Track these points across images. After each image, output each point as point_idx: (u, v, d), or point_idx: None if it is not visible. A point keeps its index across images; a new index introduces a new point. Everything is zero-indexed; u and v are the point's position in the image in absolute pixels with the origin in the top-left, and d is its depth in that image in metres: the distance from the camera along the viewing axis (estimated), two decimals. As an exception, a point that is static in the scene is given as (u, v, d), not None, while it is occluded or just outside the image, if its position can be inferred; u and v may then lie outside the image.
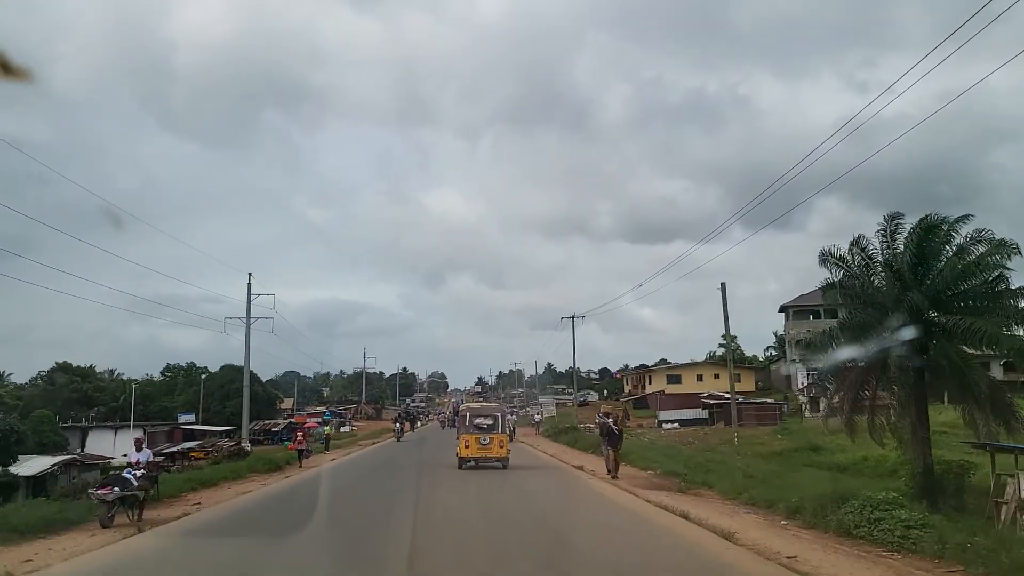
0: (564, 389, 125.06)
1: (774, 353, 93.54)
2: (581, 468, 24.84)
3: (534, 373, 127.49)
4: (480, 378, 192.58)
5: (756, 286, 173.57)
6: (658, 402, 60.17)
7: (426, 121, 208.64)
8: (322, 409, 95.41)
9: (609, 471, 20.82)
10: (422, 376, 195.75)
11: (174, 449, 42.87)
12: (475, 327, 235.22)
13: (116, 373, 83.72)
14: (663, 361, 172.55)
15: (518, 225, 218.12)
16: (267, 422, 70.05)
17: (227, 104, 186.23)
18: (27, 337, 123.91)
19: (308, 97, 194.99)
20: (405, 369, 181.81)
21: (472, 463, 23.16)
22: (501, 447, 23.35)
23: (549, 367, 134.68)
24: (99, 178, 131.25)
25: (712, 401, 57.80)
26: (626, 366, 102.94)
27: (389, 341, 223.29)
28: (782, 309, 71.73)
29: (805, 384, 66.04)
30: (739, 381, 74.45)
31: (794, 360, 67.89)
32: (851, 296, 21.69)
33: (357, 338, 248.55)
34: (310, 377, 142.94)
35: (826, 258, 22.05)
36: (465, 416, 24.70)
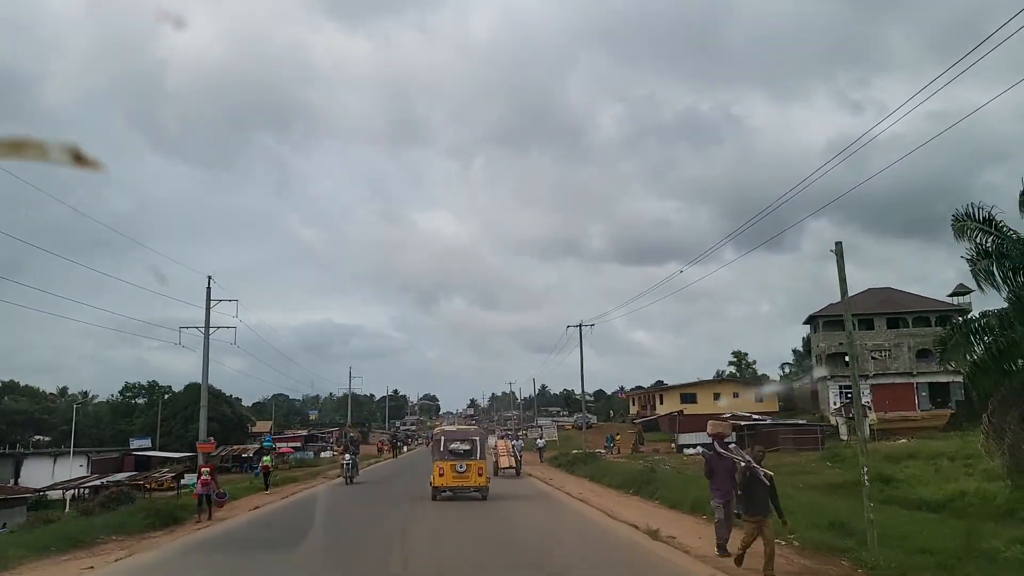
0: (559, 412, 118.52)
1: (791, 370, 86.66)
2: (655, 534, 13.79)
3: (527, 395, 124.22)
4: (473, 400, 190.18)
5: (749, 306, 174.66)
6: (676, 424, 52.98)
7: (418, 141, 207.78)
8: (304, 432, 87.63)
9: (724, 549, 11.42)
10: (413, 399, 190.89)
11: (97, 482, 35.38)
12: (467, 349, 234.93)
13: (70, 393, 75.96)
14: (660, 383, 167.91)
15: (511, 246, 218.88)
16: (236, 447, 62.44)
17: (219, 125, 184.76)
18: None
19: (299, 118, 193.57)
20: (396, 391, 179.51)
21: (448, 493, 20.70)
22: (480, 475, 20.91)
23: (543, 389, 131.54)
24: (91, 200, 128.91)
25: (742, 423, 50.61)
26: (635, 387, 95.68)
27: (381, 363, 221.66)
28: (809, 320, 64.85)
29: (838, 403, 59.05)
30: (761, 401, 67.55)
31: (824, 377, 60.91)
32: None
33: (349, 361, 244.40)
34: (299, 400, 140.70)
35: (965, 223, 15.64)
36: (439, 441, 21.99)
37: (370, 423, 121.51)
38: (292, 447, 75.20)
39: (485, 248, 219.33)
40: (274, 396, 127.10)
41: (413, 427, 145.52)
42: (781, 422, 50.52)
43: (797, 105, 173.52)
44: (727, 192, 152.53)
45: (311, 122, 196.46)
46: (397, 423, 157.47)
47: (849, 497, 28.99)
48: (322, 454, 76.87)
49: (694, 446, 49.78)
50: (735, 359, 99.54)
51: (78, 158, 2.09)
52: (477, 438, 22.35)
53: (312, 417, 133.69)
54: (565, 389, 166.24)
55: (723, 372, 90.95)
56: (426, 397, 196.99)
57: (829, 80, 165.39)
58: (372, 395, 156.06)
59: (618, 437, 55.04)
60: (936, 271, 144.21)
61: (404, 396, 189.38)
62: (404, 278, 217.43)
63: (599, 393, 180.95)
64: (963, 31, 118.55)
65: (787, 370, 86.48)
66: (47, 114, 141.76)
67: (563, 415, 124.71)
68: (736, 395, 66.91)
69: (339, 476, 32.02)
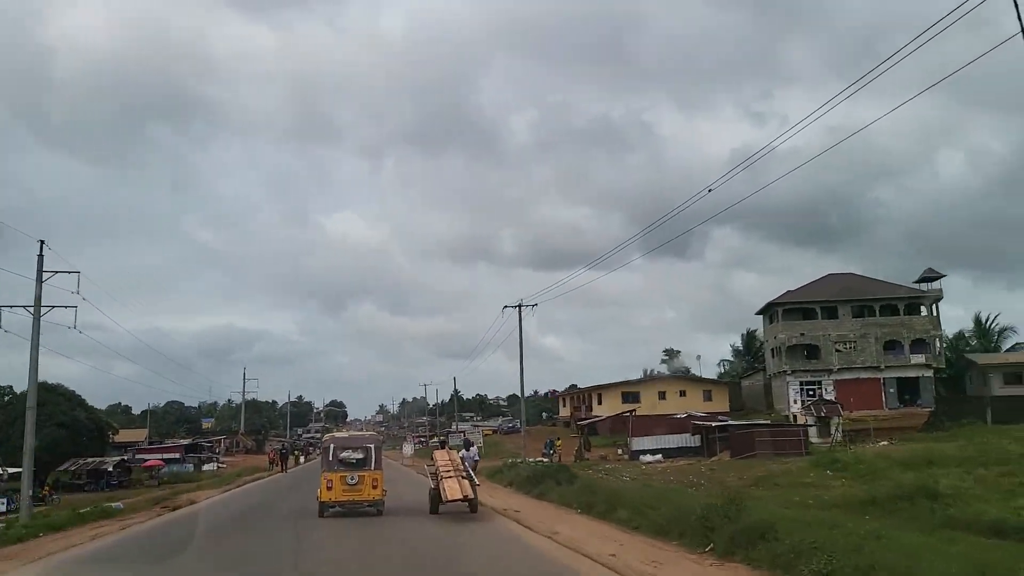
0: (473, 417, 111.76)
1: (729, 367, 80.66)
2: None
3: (441, 400, 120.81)
4: (382, 406, 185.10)
5: (655, 312, 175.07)
6: (628, 426, 44.97)
7: (326, 139, 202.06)
8: (185, 441, 75.62)
9: None
10: (320, 405, 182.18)
11: None
12: (377, 355, 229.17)
13: None
14: (573, 387, 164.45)
15: (422, 250, 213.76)
16: (90, 460, 50.70)
17: (111, 118, 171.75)
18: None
19: (198, 112, 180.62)
20: (300, 397, 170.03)
21: (337, 508, 18.18)
22: (374, 487, 18.36)
23: (456, 394, 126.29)
24: None
25: (705, 424, 43.16)
26: (569, 386, 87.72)
27: (287, 370, 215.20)
28: (764, 309, 58.47)
29: (798, 401, 52.68)
30: (710, 400, 60.84)
31: (783, 372, 54.47)
32: None
33: (253, 367, 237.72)
34: (195, 407, 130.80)
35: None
36: (328, 449, 19.14)
37: (267, 430, 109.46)
38: (163, 459, 63.82)
39: (395, 251, 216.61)
40: (167, 403, 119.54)
41: (317, 435, 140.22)
42: (755, 423, 43.32)
43: (704, 115, 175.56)
44: (637, 200, 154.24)
45: (211, 117, 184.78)
46: (299, 431, 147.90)
47: (902, 519, 21.36)
48: (205, 466, 66.22)
49: (652, 452, 42.15)
50: (667, 357, 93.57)
51: None
52: (372, 445, 19.49)
53: (206, 425, 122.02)
54: (478, 394, 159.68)
55: (651, 371, 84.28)
56: (332, 404, 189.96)
57: (735, 91, 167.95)
58: (275, 402, 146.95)
59: (559, 442, 46.71)
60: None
61: (309, 403, 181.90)
62: (311, 282, 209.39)
63: (513, 397, 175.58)
64: (861, 47, 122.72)
65: (725, 367, 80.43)
66: None
67: (478, 420, 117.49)
68: (683, 393, 59.87)
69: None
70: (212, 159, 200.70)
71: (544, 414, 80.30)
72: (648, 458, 40.77)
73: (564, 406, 75.71)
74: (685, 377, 66.96)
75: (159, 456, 64.98)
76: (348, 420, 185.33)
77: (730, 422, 43.18)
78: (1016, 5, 8.02)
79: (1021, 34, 8.03)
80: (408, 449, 52.35)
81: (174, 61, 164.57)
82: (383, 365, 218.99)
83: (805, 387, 53.60)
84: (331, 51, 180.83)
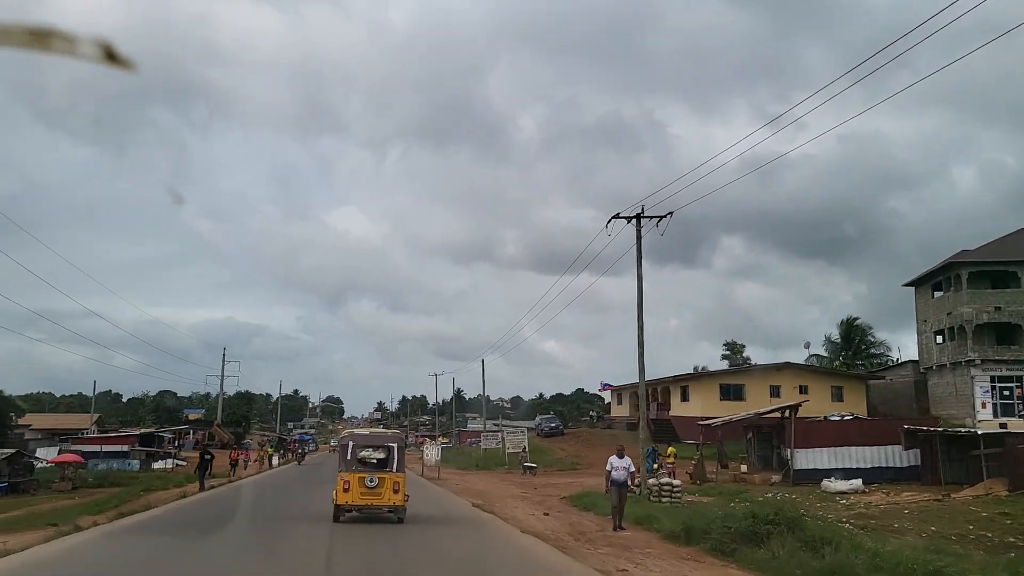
0: (475, 418, 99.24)
1: (825, 359, 64.12)
2: None
3: (443, 399, 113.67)
4: (380, 403, 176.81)
5: (660, 321, 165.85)
6: (790, 432, 28.17)
7: (330, 129, 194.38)
8: (135, 432, 59.75)
9: None
10: (316, 400, 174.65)
11: None
12: (376, 354, 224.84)
13: None
14: (580, 392, 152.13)
15: (423, 248, 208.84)
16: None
17: (111, 100, 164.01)
18: None
19: (201, 98, 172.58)
20: (296, 391, 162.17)
21: (354, 512, 16.34)
22: (396, 491, 16.27)
23: (459, 393, 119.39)
24: None
25: (927, 431, 26.83)
26: (660, 376, 71.73)
27: (286, 365, 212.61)
28: (923, 280, 42.45)
29: (989, 403, 36.67)
30: (840, 400, 44.80)
31: (967, 361, 38.36)
32: None
33: (251, 361, 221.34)
34: (187, 397, 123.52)
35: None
36: (346, 447, 17.00)
37: (248, 422, 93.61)
38: (100, 453, 48.61)
39: (396, 249, 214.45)
40: (160, 392, 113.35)
41: (312, 430, 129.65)
42: (1007, 431, 27.08)
43: (717, 117, 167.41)
44: (645, 202, 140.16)
45: (213, 103, 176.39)
46: (291, 425, 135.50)
47: None
48: (157, 463, 51.06)
49: (831, 473, 26.07)
50: (728, 351, 77.58)
51: (111, 56, 1.75)
52: (394, 445, 17.10)
53: (193, 416, 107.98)
54: (479, 394, 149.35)
55: (700, 367, 67.83)
56: (329, 399, 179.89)
57: (748, 94, 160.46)
58: (269, 394, 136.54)
59: (670, 454, 30.35)
60: (834, 294, 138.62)
61: (305, 397, 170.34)
62: (311, 278, 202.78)
63: (516, 399, 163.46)
64: (875, 52, 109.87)
65: (816, 361, 63.86)
66: None
67: (509, 412, 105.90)
68: (803, 389, 43.74)
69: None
70: (213, 147, 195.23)
71: (593, 414, 64.18)
72: (835, 483, 24.63)
73: (620, 403, 59.53)
74: (807, 368, 50.71)
75: (92, 448, 49.51)
76: (344, 416, 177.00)
77: (976, 431, 26.82)
78: None
79: None
80: (432, 453, 35.11)
81: (177, 44, 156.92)
82: (382, 364, 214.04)
83: (997, 383, 37.57)
84: (338, 38, 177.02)
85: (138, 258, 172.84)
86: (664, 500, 19.58)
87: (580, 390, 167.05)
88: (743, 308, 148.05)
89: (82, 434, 59.24)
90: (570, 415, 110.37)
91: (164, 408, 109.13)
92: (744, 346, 78.61)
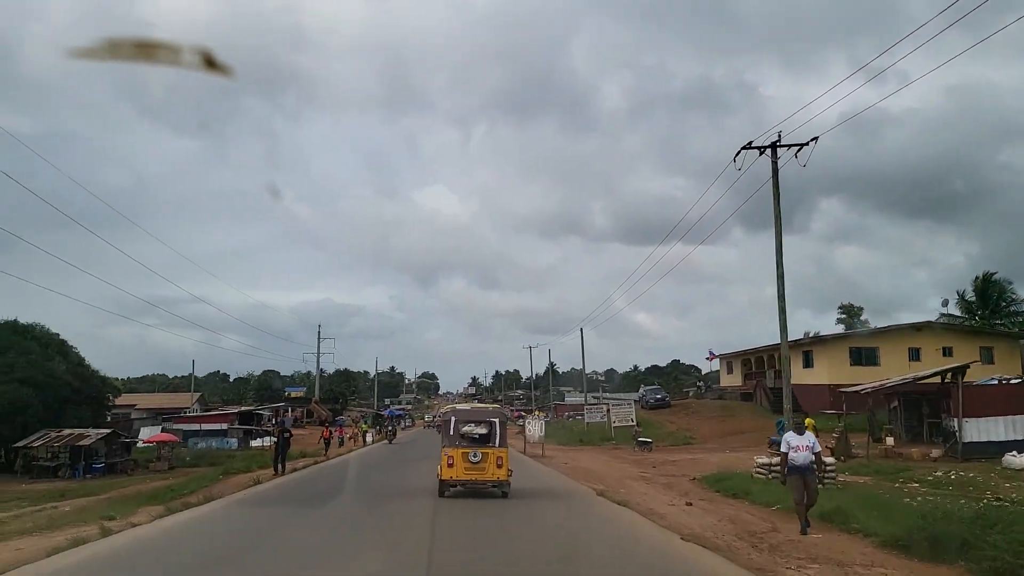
0: (570, 391, 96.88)
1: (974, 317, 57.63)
2: None
3: (532, 375, 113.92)
4: (474, 378, 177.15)
5: (755, 290, 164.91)
6: (955, 402, 23.65)
7: (416, 108, 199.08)
8: (235, 410, 59.74)
9: None
10: (411, 376, 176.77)
11: None
12: (467, 329, 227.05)
13: None
14: (676, 363, 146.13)
15: (512, 224, 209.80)
16: (67, 433, 34.34)
17: (207, 93, 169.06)
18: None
19: (291, 84, 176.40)
20: (393, 368, 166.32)
21: (458, 488, 16.24)
22: (499, 466, 16.14)
23: (552, 367, 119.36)
24: (80, 172, 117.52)
25: None
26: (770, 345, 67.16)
27: (382, 344, 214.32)
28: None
29: None
30: (991, 362, 39.59)
31: None
32: None
33: (348, 341, 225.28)
34: (290, 376, 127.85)
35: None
36: (449, 422, 17.00)
37: (345, 399, 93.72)
38: (199, 432, 48.56)
39: (485, 226, 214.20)
40: (264, 372, 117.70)
41: (408, 406, 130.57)
42: None
43: (812, 75, 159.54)
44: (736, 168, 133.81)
45: (303, 89, 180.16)
46: (387, 401, 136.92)
47: None
48: (255, 441, 50.69)
49: (1016, 448, 21.79)
50: (844, 314, 71.58)
51: (210, 63, 2.00)
52: (496, 420, 17.07)
53: (294, 395, 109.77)
54: (573, 367, 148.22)
55: (811, 334, 62.20)
56: (424, 375, 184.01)
57: (847, 47, 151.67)
58: (367, 372, 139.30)
59: (809, 423, 26.53)
60: (943, 256, 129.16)
61: (401, 373, 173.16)
62: (403, 258, 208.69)
63: (611, 372, 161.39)
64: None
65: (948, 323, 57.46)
66: (30, 80, 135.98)
67: (604, 384, 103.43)
68: (947, 351, 38.72)
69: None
70: (304, 133, 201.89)
71: (700, 384, 60.18)
72: (1020, 458, 20.44)
73: (730, 372, 55.35)
74: (951, 327, 45.38)
75: (192, 427, 49.49)
76: (440, 392, 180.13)
77: None
78: None
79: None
80: (535, 428, 31.58)
81: (267, 33, 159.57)
82: (473, 340, 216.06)
83: None
84: (420, 16, 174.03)
85: (240, 244, 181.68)
86: (826, 483, 16.10)
87: (676, 361, 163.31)
88: (844, 273, 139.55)
89: (184, 413, 59.58)
90: (668, 387, 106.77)
91: (266, 387, 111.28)
92: (862, 308, 72.63)
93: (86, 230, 58.20)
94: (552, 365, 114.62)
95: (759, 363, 50.97)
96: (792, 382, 44.80)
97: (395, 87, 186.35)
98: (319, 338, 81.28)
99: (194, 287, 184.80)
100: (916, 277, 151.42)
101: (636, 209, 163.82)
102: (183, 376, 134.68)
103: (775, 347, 48.67)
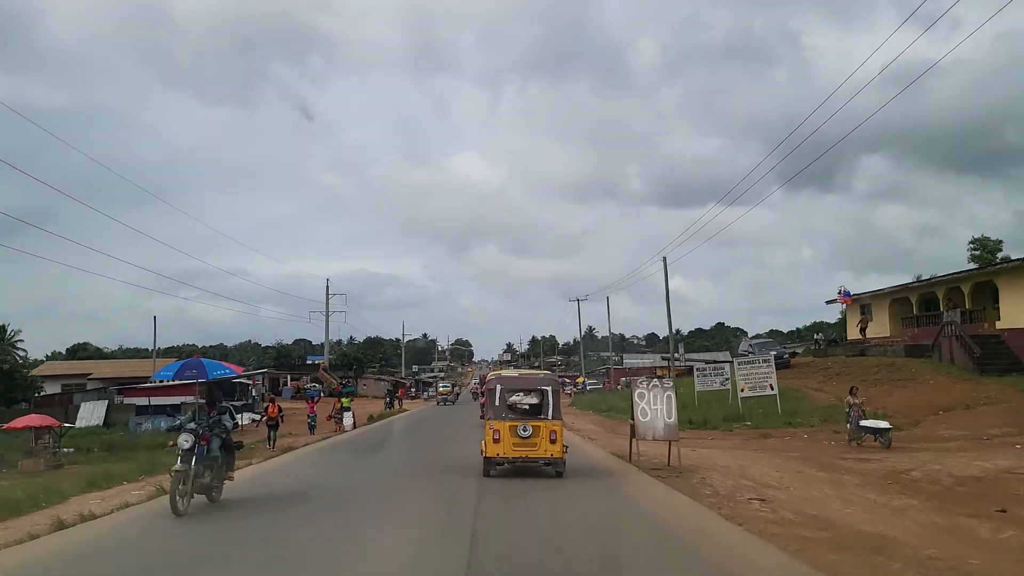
0: (611, 356, 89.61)
1: None
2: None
3: (569, 341, 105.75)
4: (509, 344, 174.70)
5: (792, 252, 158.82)
6: None
7: (444, 68, 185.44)
8: (239, 374, 46.36)
9: None
10: (444, 344, 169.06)
11: None
12: (502, 296, 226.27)
13: None
14: (721, 325, 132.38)
15: (545, 189, 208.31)
16: None
17: (232, 57, 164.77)
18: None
19: (316, 47, 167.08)
20: (425, 335, 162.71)
21: (506, 465, 14.19)
22: (552, 441, 13.71)
23: (591, 331, 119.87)
24: (114, 146, 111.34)
25: None
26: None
27: (417, 311, 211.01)
28: None
29: None
30: None
31: None
32: None
33: (383, 309, 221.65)
34: (320, 344, 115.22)
35: None
36: (494, 391, 14.34)
37: (360, 365, 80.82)
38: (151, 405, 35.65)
39: (517, 191, 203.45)
40: (295, 340, 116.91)
41: (440, 373, 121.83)
42: None
43: (858, 22, 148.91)
44: (776, 125, 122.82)
45: (328, 52, 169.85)
46: (415, 368, 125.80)
47: None
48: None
49: None
50: (976, 248, 56.33)
51: None
52: (548, 388, 14.42)
53: (317, 363, 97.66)
54: (614, 332, 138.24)
55: (922, 276, 46.86)
56: (458, 342, 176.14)
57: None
58: (398, 339, 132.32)
59: None
60: (991, 214, 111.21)
61: (433, 340, 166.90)
62: (435, 226, 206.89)
63: (652, 336, 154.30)
64: None
65: None
66: (53, 52, 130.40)
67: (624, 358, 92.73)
68: None
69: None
70: (332, 100, 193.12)
71: (819, 336, 45.47)
72: None
73: (862, 316, 40.53)
74: None
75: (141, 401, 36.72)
76: (474, 360, 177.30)
77: None
78: None
79: None
80: (661, 406, 19.07)
81: None
82: (508, 305, 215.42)
83: None
84: None
85: (277, 215, 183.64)
86: None
87: (721, 324, 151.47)
88: (887, 233, 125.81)
89: (145, 384, 46.56)
90: (718, 348, 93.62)
91: (285, 354, 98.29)
92: (1001, 241, 57.32)
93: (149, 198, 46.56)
94: (591, 329, 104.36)
95: (926, 304, 36.16)
96: (1001, 326, 30.04)
97: (422, 47, 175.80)
98: (327, 294, 68.13)
99: (232, 259, 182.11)
100: (965, 234, 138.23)
101: (672, 171, 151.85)
102: (214, 345, 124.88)
103: (952, 278, 34.01)
